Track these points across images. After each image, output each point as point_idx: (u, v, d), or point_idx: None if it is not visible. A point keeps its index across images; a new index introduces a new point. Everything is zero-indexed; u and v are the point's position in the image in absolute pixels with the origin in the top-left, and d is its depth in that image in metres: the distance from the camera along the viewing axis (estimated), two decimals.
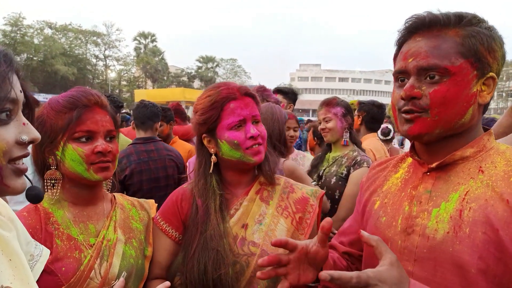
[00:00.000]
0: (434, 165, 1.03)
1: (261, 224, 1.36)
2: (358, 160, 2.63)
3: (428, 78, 0.97)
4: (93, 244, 1.26)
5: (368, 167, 2.55)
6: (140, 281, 1.34)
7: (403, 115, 1.02)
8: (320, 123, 2.83)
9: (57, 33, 43.22)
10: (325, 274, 0.84)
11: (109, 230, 1.31)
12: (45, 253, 1.02)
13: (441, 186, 1.01)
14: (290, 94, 3.73)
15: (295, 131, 3.19)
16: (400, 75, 1.04)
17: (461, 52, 0.95)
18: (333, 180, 2.67)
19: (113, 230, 1.32)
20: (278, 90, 3.72)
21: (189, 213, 1.40)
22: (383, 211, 1.12)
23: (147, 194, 2.93)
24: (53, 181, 1.26)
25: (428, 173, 1.06)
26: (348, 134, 2.76)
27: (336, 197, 2.64)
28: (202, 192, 1.39)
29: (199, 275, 1.26)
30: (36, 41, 39.24)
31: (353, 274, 0.85)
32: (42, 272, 1.12)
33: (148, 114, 3.13)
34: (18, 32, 37.47)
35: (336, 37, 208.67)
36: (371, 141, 3.47)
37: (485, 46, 0.95)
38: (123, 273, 1.24)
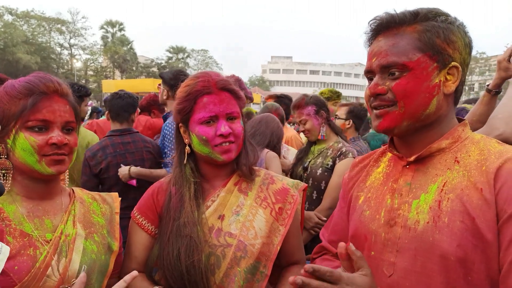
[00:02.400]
0: (412, 158, 1.08)
1: (239, 215, 1.36)
2: (344, 151, 2.67)
3: (390, 75, 1.04)
4: (50, 240, 1.18)
5: (353, 157, 2.60)
6: (103, 277, 1.28)
7: (374, 111, 1.08)
8: (298, 126, 2.91)
9: (18, 19, 41.08)
10: (308, 266, 0.90)
11: (67, 225, 1.24)
12: (5, 250, 0.93)
13: (420, 178, 1.06)
14: (171, 80, 3.05)
15: None
16: (368, 75, 1.11)
17: (418, 47, 1.01)
18: (319, 171, 2.69)
19: (72, 224, 1.25)
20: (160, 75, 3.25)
21: (164, 205, 1.40)
22: (367, 205, 1.16)
23: (124, 188, 2.86)
24: (3, 172, 1.17)
25: (407, 166, 1.10)
26: (324, 129, 2.79)
27: (322, 187, 2.68)
28: (177, 179, 1.40)
29: (174, 262, 1.26)
30: None
31: (328, 269, 0.90)
32: None
33: (124, 105, 3.05)
34: None
35: (308, 29, 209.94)
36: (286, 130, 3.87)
37: (442, 38, 1.01)
38: (83, 267, 1.18)
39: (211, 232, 1.32)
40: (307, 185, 1.55)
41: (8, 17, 40.04)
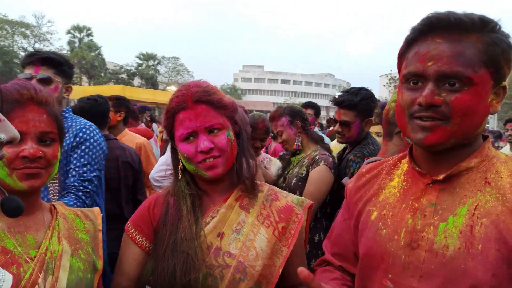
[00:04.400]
0: (441, 177, 0.98)
1: (239, 233, 1.26)
2: (317, 159, 2.61)
3: (448, 85, 0.91)
4: (34, 257, 1.10)
5: (326, 164, 2.53)
6: None
7: (419, 121, 0.95)
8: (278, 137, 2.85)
9: None
10: (301, 269, 0.87)
11: (52, 241, 1.16)
12: (8, 277, 0.88)
13: (446, 199, 0.97)
14: (64, 67, 2.16)
15: (262, 141, 2.92)
16: (414, 78, 0.96)
17: (483, 61, 0.90)
18: (294, 181, 2.64)
19: (57, 240, 1.17)
20: (44, 59, 2.07)
21: (161, 218, 1.30)
22: (383, 223, 1.06)
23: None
24: None
25: (431, 184, 1.01)
26: (300, 138, 2.73)
27: None
28: (175, 192, 1.33)
29: (169, 280, 1.16)
30: None
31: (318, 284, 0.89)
32: None
33: (105, 111, 2.84)
34: None
35: (278, 40, 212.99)
36: None
37: (504, 56, 0.92)
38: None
39: (209, 250, 1.22)
40: (312, 202, 1.43)
41: None
